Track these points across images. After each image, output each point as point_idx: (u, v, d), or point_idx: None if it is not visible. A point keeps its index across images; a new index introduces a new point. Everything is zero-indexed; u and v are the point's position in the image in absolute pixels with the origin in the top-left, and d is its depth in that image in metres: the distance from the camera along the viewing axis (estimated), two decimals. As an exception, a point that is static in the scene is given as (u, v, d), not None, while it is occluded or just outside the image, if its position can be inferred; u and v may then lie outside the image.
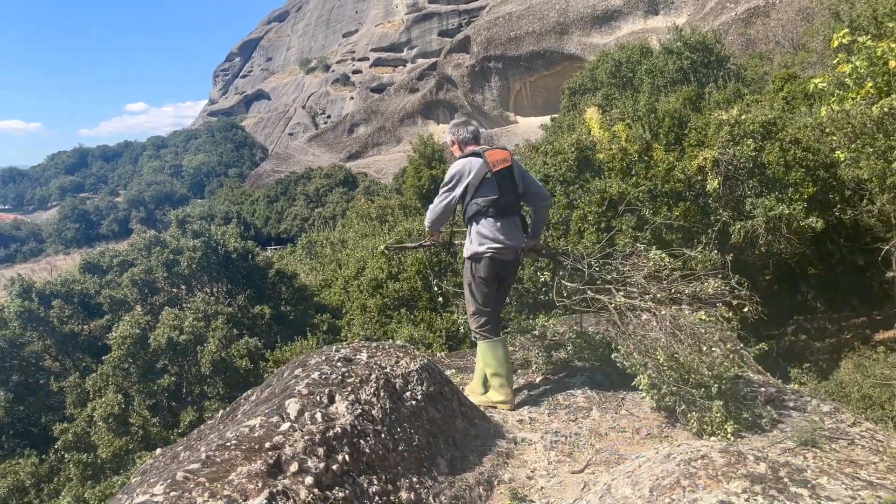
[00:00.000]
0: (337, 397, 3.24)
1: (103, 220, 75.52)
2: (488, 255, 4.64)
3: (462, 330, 11.77)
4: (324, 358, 3.66)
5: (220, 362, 9.63)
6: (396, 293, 12.55)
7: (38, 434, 12.43)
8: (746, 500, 1.86)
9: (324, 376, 3.41)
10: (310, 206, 56.58)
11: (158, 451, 5.91)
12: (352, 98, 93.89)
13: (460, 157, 4.77)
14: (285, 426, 2.91)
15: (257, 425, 2.94)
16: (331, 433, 2.95)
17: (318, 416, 3.04)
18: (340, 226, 21.09)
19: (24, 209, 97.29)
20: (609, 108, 16.97)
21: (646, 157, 12.29)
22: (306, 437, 2.85)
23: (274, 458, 2.68)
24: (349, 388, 3.32)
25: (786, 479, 1.97)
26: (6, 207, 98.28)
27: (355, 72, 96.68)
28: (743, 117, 11.97)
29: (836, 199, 12.66)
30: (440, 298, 9.24)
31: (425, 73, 77.17)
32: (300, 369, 3.66)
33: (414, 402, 3.57)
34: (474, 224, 4.67)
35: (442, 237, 5.32)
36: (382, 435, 3.19)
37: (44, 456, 11.22)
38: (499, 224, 4.67)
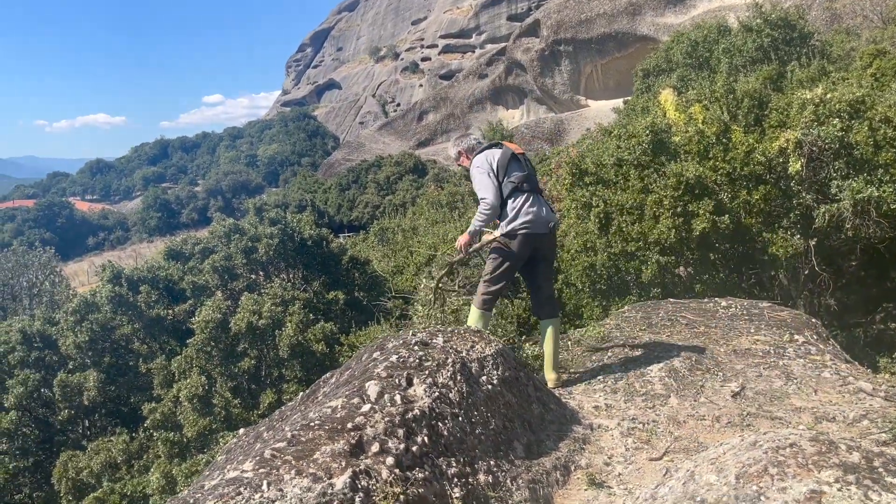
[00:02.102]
0: (415, 380, 3.29)
1: (184, 208, 78.37)
2: (523, 231, 4.77)
3: (534, 318, 11.75)
4: (401, 342, 3.72)
5: (297, 346, 9.90)
6: (467, 279, 12.57)
7: (127, 413, 13.09)
8: (839, 489, 1.80)
9: (402, 360, 3.48)
10: (380, 194, 57.24)
11: (241, 431, 6.13)
12: (421, 85, 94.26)
13: (475, 156, 4.96)
14: (366, 408, 2.98)
15: (339, 406, 3.02)
16: (410, 415, 3.01)
17: (398, 398, 3.10)
18: (411, 213, 21.29)
19: (111, 199, 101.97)
20: (685, 90, 16.49)
21: (724, 140, 11.93)
22: (386, 419, 2.91)
23: (356, 438, 2.75)
24: (427, 372, 3.38)
25: (881, 470, 1.90)
26: (94, 198, 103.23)
27: (424, 59, 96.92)
28: (828, 96, 11.45)
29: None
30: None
31: (494, 58, 76.72)
32: (378, 352, 3.74)
33: (490, 387, 3.60)
34: (510, 202, 4.80)
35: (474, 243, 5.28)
36: (460, 418, 3.23)
37: (133, 434, 11.80)
38: (532, 199, 4.83)
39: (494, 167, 4.85)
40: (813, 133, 10.96)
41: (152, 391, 11.53)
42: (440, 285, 6.92)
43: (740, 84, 13.70)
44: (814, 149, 11.14)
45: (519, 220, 4.80)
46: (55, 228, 70.79)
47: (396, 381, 3.26)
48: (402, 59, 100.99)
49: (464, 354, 3.67)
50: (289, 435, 2.79)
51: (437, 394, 3.24)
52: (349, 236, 39.83)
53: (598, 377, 5.11)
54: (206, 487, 2.62)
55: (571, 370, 5.38)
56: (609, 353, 5.63)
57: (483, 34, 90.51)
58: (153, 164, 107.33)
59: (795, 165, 11.20)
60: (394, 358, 3.50)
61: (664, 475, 2.30)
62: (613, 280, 12.03)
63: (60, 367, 12.40)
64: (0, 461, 11.51)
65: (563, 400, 4.34)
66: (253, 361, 10.17)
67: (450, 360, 3.53)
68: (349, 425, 2.83)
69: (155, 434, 10.15)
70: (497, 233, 5.25)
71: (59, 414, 11.79)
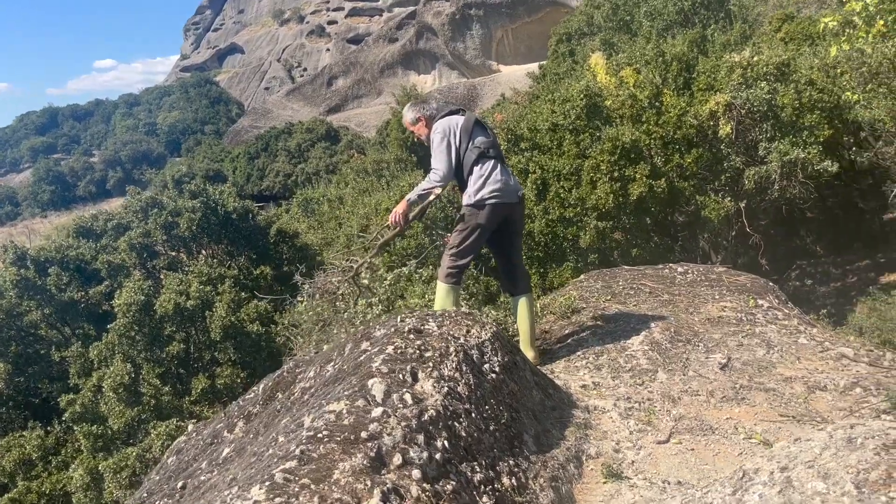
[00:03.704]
0: (420, 374, 2.95)
1: (79, 181, 73.87)
2: (493, 200, 4.48)
3: (477, 286, 11.53)
4: (392, 330, 3.35)
5: (230, 327, 9.31)
6: (404, 250, 12.24)
7: (39, 405, 12.12)
8: None
9: (399, 351, 3.12)
10: (292, 162, 55.64)
11: (191, 427, 5.60)
12: (328, 50, 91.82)
13: (434, 122, 4.64)
14: (377, 412, 2.61)
15: (344, 411, 2.64)
16: (426, 417, 2.67)
17: (408, 397, 2.75)
18: (335, 182, 20.59)
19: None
20: (610, 54, 16.50)
21: (656, 104, 11.95)
22: (403, 424, 2.56)
23: (374, 450, 2.40)
24: (430, 364, 3.03)
25: None
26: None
27: (330, 22, 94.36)
28: (755, 59, 11.61)
29: (849, 142, 12.42)
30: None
31: (404, 22, 75.48)
32: (367, 343, 3.36)
33: (494, 375, 3.29)
34: (476, 169, 4.50)
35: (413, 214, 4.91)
36: (473, 414, 2.92)
37: (49, 428, 10.93)
38: (500, 167, 4.56)
39: (458, 133, 4.52)
40: (742, 96, 11.11)
41: (68, 381, 10.67)
42: (367, 264, 6.42)
43: (667, 47, 13.76)
44: (742, 111, 11.31)
45: (487, 189, 4.48)
46: (-66, 205, 65.38)
47: (401, 376, 2.90)
48: (307, 23, 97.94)
49: (462, 341, 3.34)
50: (296, 451, 2.39)
51: (446, 389, 2.91)
52: (260, 206, 38.50)
53: (577, 353, 4.90)
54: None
55: (545, 346, 5.16)
56: (581, 327, 5.44)
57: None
58: (41, 134, 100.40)
59: (726, 128, 11.35)
60: (390, 349, 3.13)
61: (742, 478, 2.05)
62: (550, 247, 11.94)
63: (-41, 358, 11.30)
64: None
65: (558, 382, 4.09)
66: (182, 345, 9.51)
67: (451, 348, 3.19)
68: (363, 434, 2.47)
69: (76, 428, 9.37)
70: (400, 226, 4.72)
71: (-39, 410, 10.76)
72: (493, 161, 4.54)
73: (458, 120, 4.59)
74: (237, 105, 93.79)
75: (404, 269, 6.82)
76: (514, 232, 4.79)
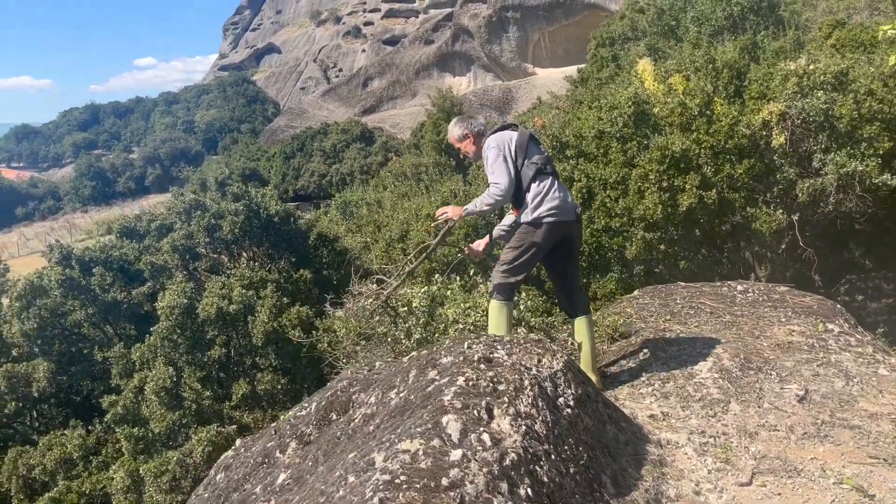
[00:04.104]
0: (496, 411, 2.78)
1: (119, 177, 75.06)
2: (550, 219, 4.34)
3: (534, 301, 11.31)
4: (461, 358, 3.18)
5: (271, 333, 9.23)
6: (444, 258, 12.09)
7: (80, 403, 12.20)
8: None
9: (471, 383, 2.95)
10: (327, 163, 55.89)
11: (238, 441, 5.49)
12: (363, 51, 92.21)
13: (487, 137, 4.50)
14: (456, 455, 2.45)
15: (420, 452, 2.48)
16: (507, 461, 2.49)
17: (486, 438, 2.58)
18: (373, 185, 20.50)
19: (39, 166, 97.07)
20: (655, 59, 16.15)
21: (707, 112, 11.64)
22: (485, 470, 2.39)
23: (458, 500, 2.23)
24: (505, 399, 2.86)
25: None
26: (21, 165, 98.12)
27: (367, 23, 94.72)
28: (812, 67, 11.23)
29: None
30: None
31: (440, 24, 75.42)
32: (434, 371, 3.20)
33: (569, 410, 3.11)
34: (533, 186, 4.37)
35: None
36: (552, 456, 2.73)
37: (89, 427, 10.98)
38: (557, 184, 4.45)
39: (512, 149, 4.38)
40: (797, 106, 10.75)
41: (109, 381, 10.70)
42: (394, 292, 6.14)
43: (718, 54, 13.41)
44: (797, 121, 10.95)
45: (545, 207, 4.34)
46: (-21, 198, 66.98)
47: (476, 413, 2.73)
48: (343, 24, 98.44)
49: (534, 372, 3.16)
50: (374, 499, 2.23)
51: (524, 427, 2.74)
52: (295, 206, 38.68)
53: (641, 378, 4.69)
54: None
55: (603, 368, 4.95)
56: (642, 348, 5.22)
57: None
58: (83, 130, 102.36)
59: (779, 138, 11.00)
60: (461, 381, 2.96)
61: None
62: (594, 257, 11.70)
63: (6, 356, 11.40)
64: (-59, 459, 10.56)
65: (626, 412, 3.88)
66: (223, 350, 9.46)
67: (526, 381, 3.02)
68: (444, 481, 2.30)
69: (117, 429, 9.38)
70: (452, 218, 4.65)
71: (5, 407, 10.84)
72: (550, 178, 4.42)
73: (512, 135, 4.45)
74: (273, 104, 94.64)
75: (433, 287, 6.59)
76: (570, 251, 4.62)
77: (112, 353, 10.38)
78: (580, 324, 4.56)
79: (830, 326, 5.57)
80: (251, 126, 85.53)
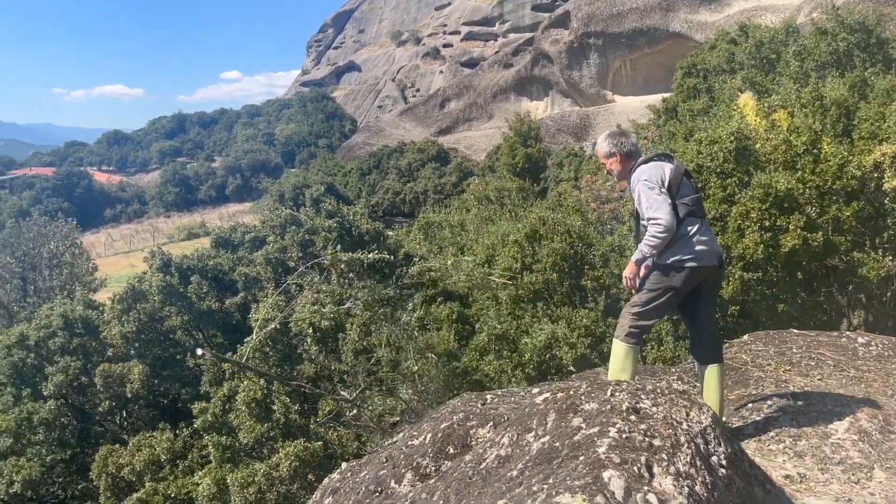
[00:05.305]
0: (655, 468, 2.66)
1: (201, 185, 77.79)
2: (692, 264, 4.13)
3: (605, 328, 11.07)
4: (608, 407, 3.08)
5: (361, 351, 9.30)
6: (532, 285, 11.97)
7: (167, 406, 12.55)
8: None
9: (625, 436, 2.84)
10: (401, 181, 56.52)
11: (344, 465, 5.45)
12: (441, 72, 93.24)
13: (640, 165, 4.29)
14: (626, 515, 2.35)
15: (585, 509, 2.39)
16: (678, 526, 2.38)
17: (653, 499, 2.47)
18: (456, 207, 20.60)
19: (127, 171, 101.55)
20: (754, 93, 15.72)
21: (813, 151, 11.25)
22: (659, 536, 2.28)
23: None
24: (664, 456, 2.74)
25: None
26: (111, 169, 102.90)
27: (446, 45, 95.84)
28: (930, 108, 10.74)
29: None
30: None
31: (520, 48, 75.61)
32: (577, 418, 3.10)
33: (723, 471, 2.96)
34: (680, 228, 4.13)
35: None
36: (716, 521, 2.60)
37: (176, 431, 11.25)
38: (704, 227, 4.24)
39: (667, 184, 4.17)
40: (913, 147, 10.30)
41: (198, 387, 10.97)
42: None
43: (827, 91, 12.95)
44: (912, 164, 10.48)
45: (688, 250, 4.14)
46: (73, 198, 70.46)
47: (636, 469, 2.63)
48: (423, 45, 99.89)
49: (685, 427, 3.03)
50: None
51: (686, 489, 2.61)
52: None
53: (769, 433, 4.47)
54: None
55: (727, 420, 4.74)
56: (764, 400, 4.98)
57: (507, 23, 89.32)
58: (170, 139, 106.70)
59: (892, 181, 10.54)
60: (613, 433, 2.86)
61: None
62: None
63: (101, 355, 11.85)
64: (37, 452, 11.00)
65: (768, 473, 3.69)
66: (312, 365, 9.57)
67: (682, 438, 2.89)
68: (619, 546, 2.20)
69: (206, 436, 9.57)
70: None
71: (99, 405, 11.24)
72: (699, 221, 4.21)
73: (667, 168, 4.24)
74: (350, 121, 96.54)
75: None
76: (707, 297, 4.42)
77: (205, 361, 10.65)
78: (711, 372, 4.37)
79: (970, 390, 5.21)
80: (328, 141, 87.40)
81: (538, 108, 69.34)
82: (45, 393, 11.28)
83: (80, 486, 11.33)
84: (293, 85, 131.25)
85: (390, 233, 13.90)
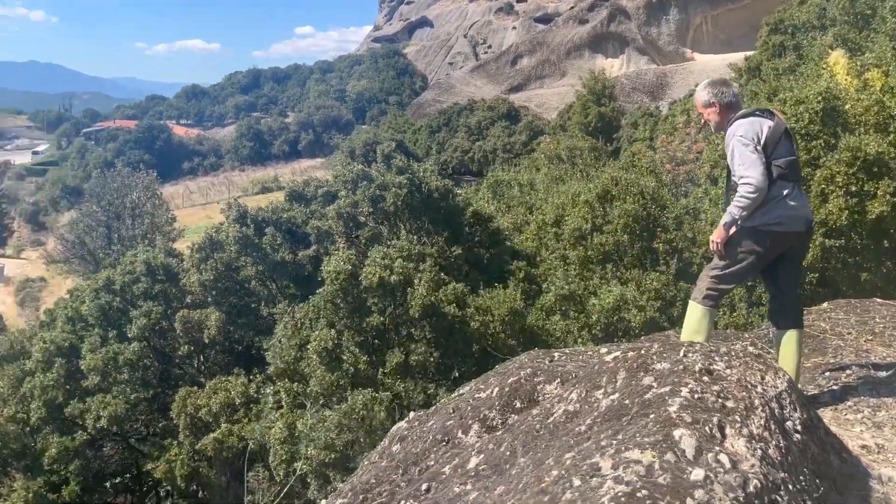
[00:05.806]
0: (728, 430, 2.64)
1: (275, 140, 79.32)
2: (779, 228, 3.94)
3: (676, 291, 10.87)
4: (681, 367, 3.05)
5: (428, 307, 9.44)
6: (602, 246, 11.83)
7: (241, 352, 13.07)
8: None
9: (697, 396, 2.81)
10: (470, 139, 56.26)
11: (412, 414, 5.56)
12: (514, 28, 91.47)
13: (738, 119, 4.03)
14: (697, 474, 2.34)
15: (655, 466, 2.39)
16: (751, 488, 2.36)
17: (724, 459, 2.45)
18: (526, 166, 20.41)
19: (204, 125, 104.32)
20: (848, 51, 14.89)
21: (908, 112, 10.65)
22: (731, 496, 2.27)
23: (708, 524, 2.13)
24: (737, 418, 2.71)
25: None
26: (189, 122, 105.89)
27: (520, 0, 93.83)
28: None
29: None
30: None
31: (596, 3, 73.33)
32: (648, 376, 3.09)
33: (798, 436, 2.91)
34: (771, 189, 3.93)
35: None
36: (790, 486, 2.57)
37: (250, 377, 11.73)
38: (797, 191, 4.01)
39: (763, 141, 3.93)
40: None
41: (271, 336, 11.37)
42: None
43: (927, 49, 12.16)
44: None
45: (775, 214, 3.94)
46: (154, 150, 73.02)
47: (707, 429, 2.61)
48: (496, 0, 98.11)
49: (760, 390, 2.98)
50: (618, 509, 2.17)
51: (759, 452, 2.58)
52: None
53: (847, 402, 4.34)
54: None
55: (803, 388, 4.62)
56: (842, 369, 4.83)
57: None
58: (245, 93, 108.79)
59: None
60: (685, 392, 2.84)
61: None
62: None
63: (180, 301, 12.40)
64: (122, 390, 11.68)
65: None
66: (381, 318, 9.77)
67: (756, 401, 2.84)
68: (689, 501, 2.21)
69: (278, 383, 9.95)
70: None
71: (178, 348, 11.81)
72: (791, 185, 3.98)
73: (765, 124, 3.98)
74: (421, 78, 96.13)
75: None
76: (793, 261, 4.24)
77: (278, 310, 11.02)
78: (789, 337, 4.23)
79: None
80: (399, 98, 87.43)
81: (613, 66, 67.41)
82: (129, 335, 11.93)
83: (160, 424, 11.97)
84: (365, 41, 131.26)
85: (459, 191, 13.92)
